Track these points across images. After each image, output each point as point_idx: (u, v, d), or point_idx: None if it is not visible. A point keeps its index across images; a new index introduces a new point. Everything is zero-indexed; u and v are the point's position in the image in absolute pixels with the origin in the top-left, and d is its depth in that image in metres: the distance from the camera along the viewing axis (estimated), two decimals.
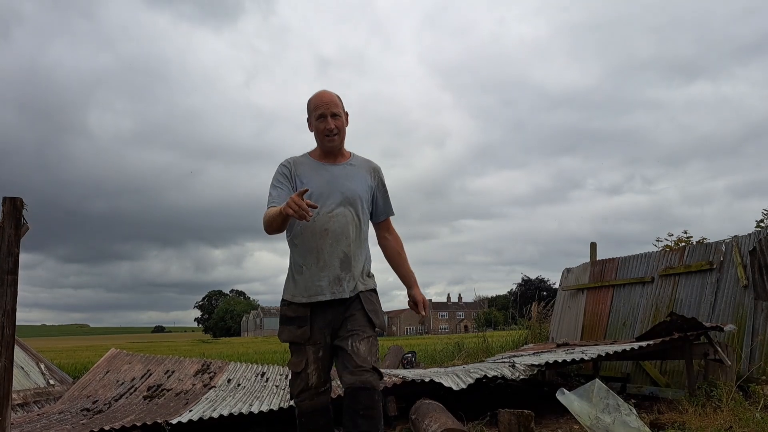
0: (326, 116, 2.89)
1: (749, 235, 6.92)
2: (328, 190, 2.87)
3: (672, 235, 10.41)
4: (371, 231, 3.11)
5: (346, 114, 3.01)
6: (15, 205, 3.89)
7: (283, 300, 2.95)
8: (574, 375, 7.85)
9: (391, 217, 3.16)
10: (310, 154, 3.03)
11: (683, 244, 9.66)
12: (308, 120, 3.00)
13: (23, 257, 3.88)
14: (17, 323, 3.79)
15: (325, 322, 2.84)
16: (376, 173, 3.08)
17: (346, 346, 2.76)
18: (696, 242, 9.34)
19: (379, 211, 3.10)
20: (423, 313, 3.03)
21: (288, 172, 2.92)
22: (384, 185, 3.11)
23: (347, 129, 3.02)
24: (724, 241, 7.22)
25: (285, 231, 2.84)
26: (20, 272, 3.83)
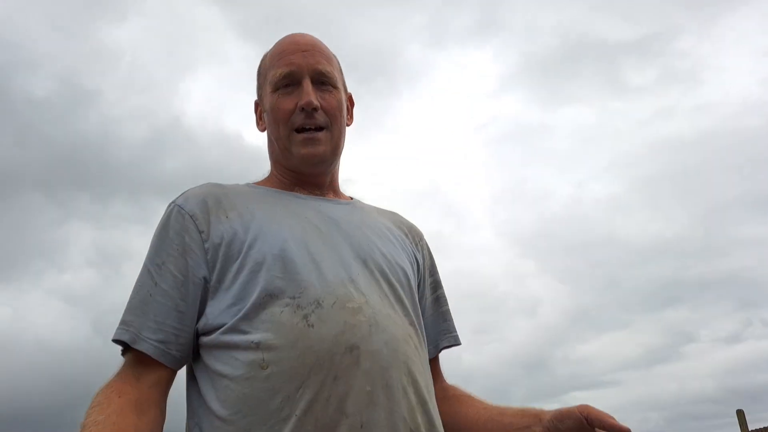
0: (300, 77, 1.22)
1: None
2: (323, 242, 1.15)
3: None
4: None
5: (349, 96, 1.35)
6: None
7: None
8: None
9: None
10: (255, 183, 1.32)
11: None
12: (258, 100, 1.33)
13: None
14: None
15: None
16: (417, 237, 1.37)
17: None
18: None
19: (433, 329, 1.33)
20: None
21: (192, 229, 1.13)
22: (436, 268, 1.39)
23: (349, 131, 1.32)
24: None
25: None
26: None
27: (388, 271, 1.17)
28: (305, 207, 1.22)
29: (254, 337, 1.03)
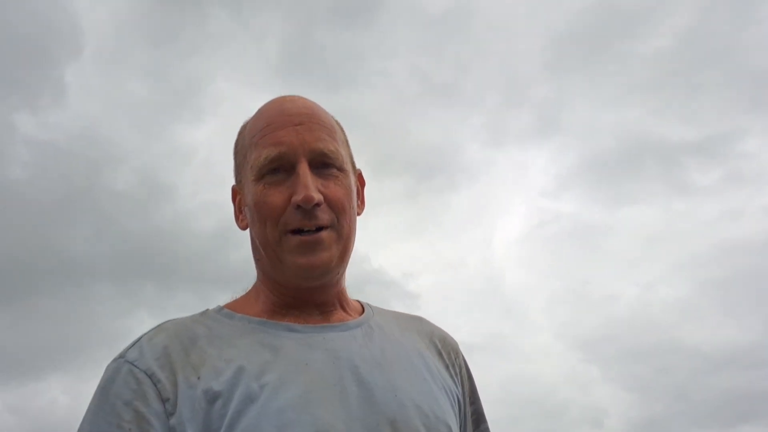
0: (294, 160, 0.89)
1: None
2: (338, 406, 0.82)
3: None
4: None
5: (358, 174, 1.02)
6: None
7: None
8: None
9: None
10: (232, 305, 0.96)
11: None
12: (236, 186, 1.00)
13: None
14: None
15: None
16: (453, 353, 1.04)
17: None
18: None
19: None
20: None
21: (152, 396, 0.78)
22: (477, 393, 1.06)
23: (362, 215, 1.01)
24: None
25: None
26: None
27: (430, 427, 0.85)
28: (306, 347, 0.86)
29: None
